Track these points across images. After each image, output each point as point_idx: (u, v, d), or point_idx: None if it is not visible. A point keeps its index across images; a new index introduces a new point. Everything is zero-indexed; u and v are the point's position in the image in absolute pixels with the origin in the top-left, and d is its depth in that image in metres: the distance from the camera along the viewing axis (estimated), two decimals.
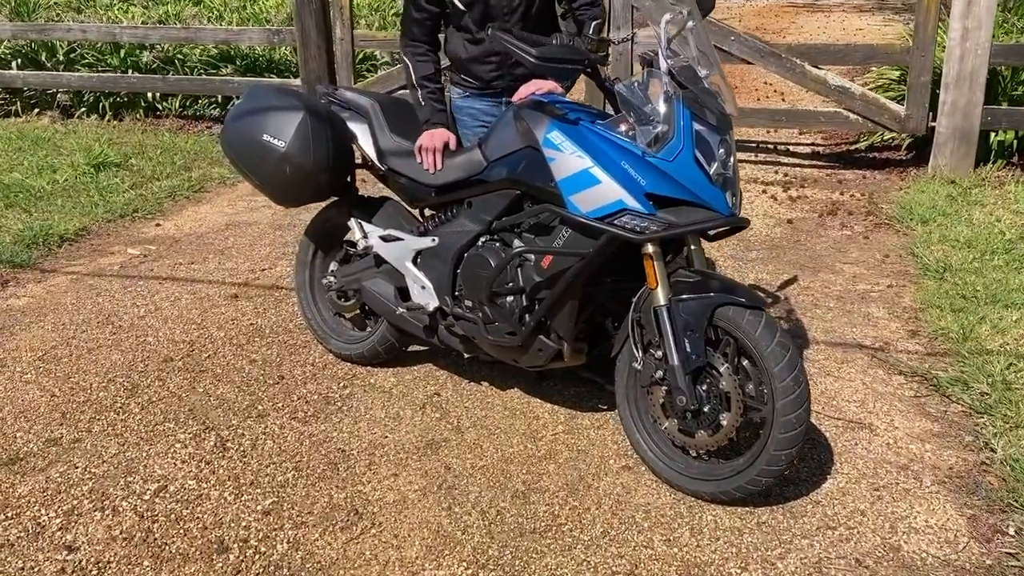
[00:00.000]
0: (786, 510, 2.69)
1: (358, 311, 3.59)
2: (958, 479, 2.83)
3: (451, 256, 3.11)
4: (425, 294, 3.20)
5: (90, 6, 10.02)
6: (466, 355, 3.27)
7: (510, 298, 2.94)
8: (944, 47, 5.97)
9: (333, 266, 3.62)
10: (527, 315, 2.92)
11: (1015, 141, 6.16)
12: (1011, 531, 2.57)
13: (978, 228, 4.98)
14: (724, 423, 2.63)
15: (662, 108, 2.59)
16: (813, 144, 7.33)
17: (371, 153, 3.33)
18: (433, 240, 3.17)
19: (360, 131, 3.35)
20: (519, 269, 2.91)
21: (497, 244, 3.00)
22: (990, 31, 5.71)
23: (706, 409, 2.64)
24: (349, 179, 3.45)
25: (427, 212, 3.42)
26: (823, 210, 5.59)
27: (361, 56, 7.73)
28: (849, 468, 2.91)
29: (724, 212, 2.60)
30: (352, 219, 3.41)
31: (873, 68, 7.37)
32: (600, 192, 2.64)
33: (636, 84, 2.70)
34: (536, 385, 3.43)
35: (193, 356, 3.74)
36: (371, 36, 7.54)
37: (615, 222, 2.62)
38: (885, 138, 6.82)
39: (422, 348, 3.65)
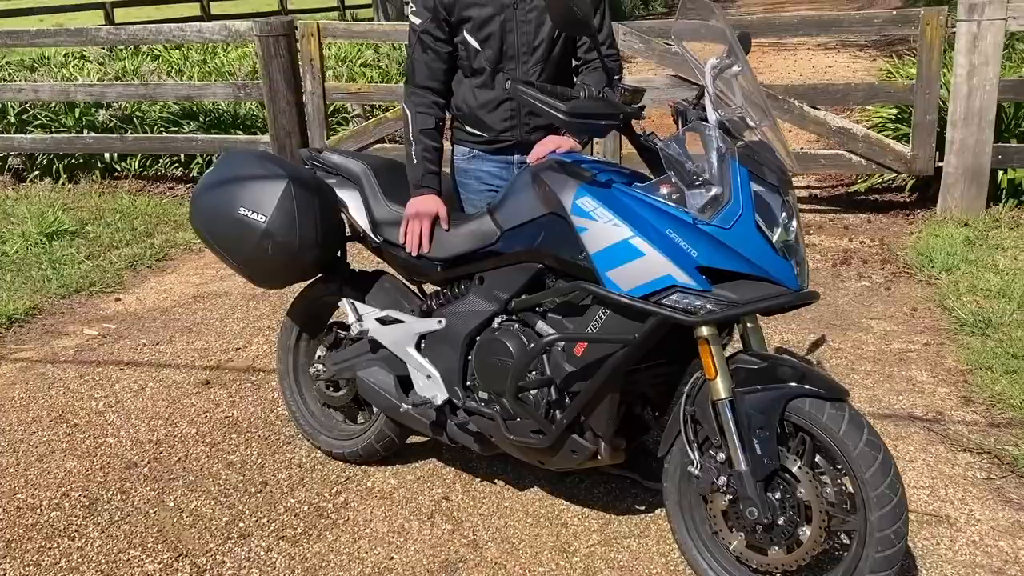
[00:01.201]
0: None
1: (350, 401, 3.14)
2: None
3: (461, 341, 2.68)
4: (431, 385, 2.76)
5: (44, 64, 9.55)
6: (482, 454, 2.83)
7: (535, 391, 2.51)
8: (946, 84, 5.73)
9: (321, 351, 3.17)
10: (557, 411, 2.49)
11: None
12: None
13: (1007, 276, 4.65)
14: (804, 538, 2.21)
15: (715, 167, 2.20)
16: (808, 187, 7.02)
17: (364, 224, 2.90)
18: (439, 322, 2.73)
19: (351, 199, 2.93)
20: (545, 356, 2.49)
21: (516, 326, 2.58)
22: (998, 67, 5.45)
23: (780, 521, 2.22)
24: (339, 254, 3.02)
25: (428, 288, 3.00)
26: (836, 259, 5.24)
27: (331, 109, 7.33)
28: (937, 575, 2.50)
29: (792, 286, 2.21)
30: (343, 299, 2.97)
31: (868, 107, 7.10)
32: (644, 266, 2.23)
33: (678, 140, 2.31)
34: (559, 482, 2.99)
35: (161, 460, 3.25)
36: (343, 88, 7.14)
37: (663, 301, 2.22)
38: (885, 179, 6.52)
39: (423, 439, 3.20)
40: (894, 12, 6.07)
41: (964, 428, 3.27)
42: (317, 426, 3.20)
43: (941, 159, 5.73)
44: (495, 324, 2.62)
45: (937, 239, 5.28)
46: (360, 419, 3.17)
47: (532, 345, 2.47)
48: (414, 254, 2.75)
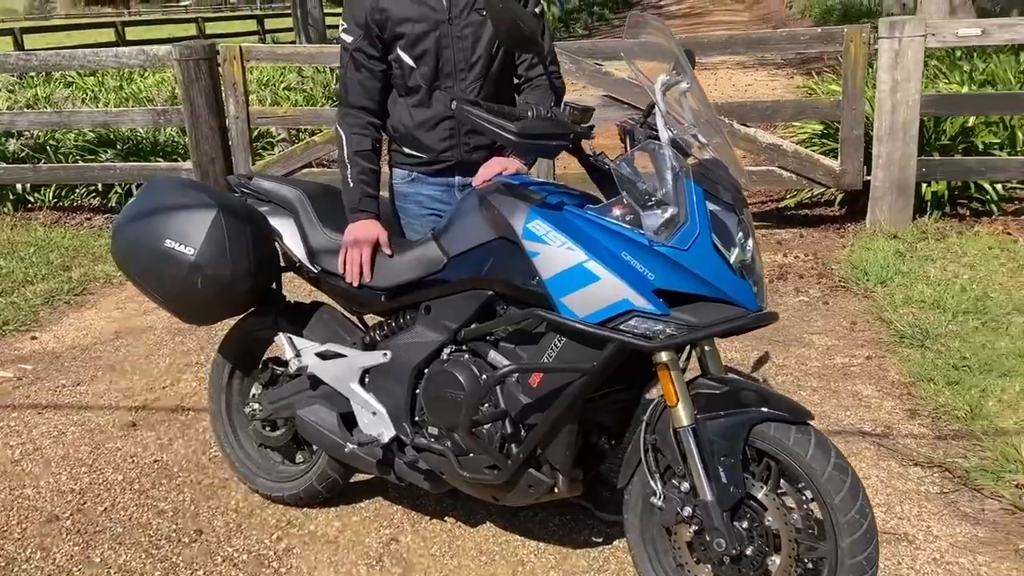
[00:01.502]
0: None
1: (288, 441, 2.97)
2: None
3: (409, 374, 2.55)
4: (377, 422, 2.62)
5: None
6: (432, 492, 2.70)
7: (489, 425, 2.40)
8: (869, 100, 5.84)
9: (256, 389, 3.01)
10: (512, 445, 2.38)
11: (947, 192, 6.03)
12: None
13: (939, 287, 4.72)
14: (772, 568, 2.14)
15: (669, 186, 2.13)
16: None
17: (300, 253, 2.75)
18: (384, 355, 2.60)
19: (285, 228, 2.78)
20: (499, 388, 2.38)
21: (466, 357, 2.46)
22: (919, 82, 5.57)
23: (749, 552, 2.14)
24: (274, 285, 2.86)
25: (370, 319, 2.87)
26: (772, 275, 5.26)
27: (256, 134, 7.13)
28: None
29: (751, 306, 2.14)
30: (280, 333, 2.81)
31: (794, 124, 7.21)
32: (600, 291, 2.15)
33: (628, 159, 2.23)
34: (512, 517, 2.87)
35: (85, 511, 3.03)
36: (269, 112, 6.96)
37: (621, 327, 2.13)
38: (814, 194, 6.61)
39: (367, 477, 3.05)
40: (819, 30, 6.17)
41: (913, 442, 3.26)
42: (254, 468, 3.03)
43: (868, 173, 5.83)
44: (444, 355, 2.50)
45: (869, 252, 5.35)
46: (299, 459, 3.01)
47: (485, 377, 2.37)
48: (355, 284, 2.62)
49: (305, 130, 7.65)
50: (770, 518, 2.13)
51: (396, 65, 2.70)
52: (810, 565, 2.16)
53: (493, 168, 2.53)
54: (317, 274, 2.75)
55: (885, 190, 5.76)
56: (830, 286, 5.02)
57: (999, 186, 6.00)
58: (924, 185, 5.93)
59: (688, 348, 2.33)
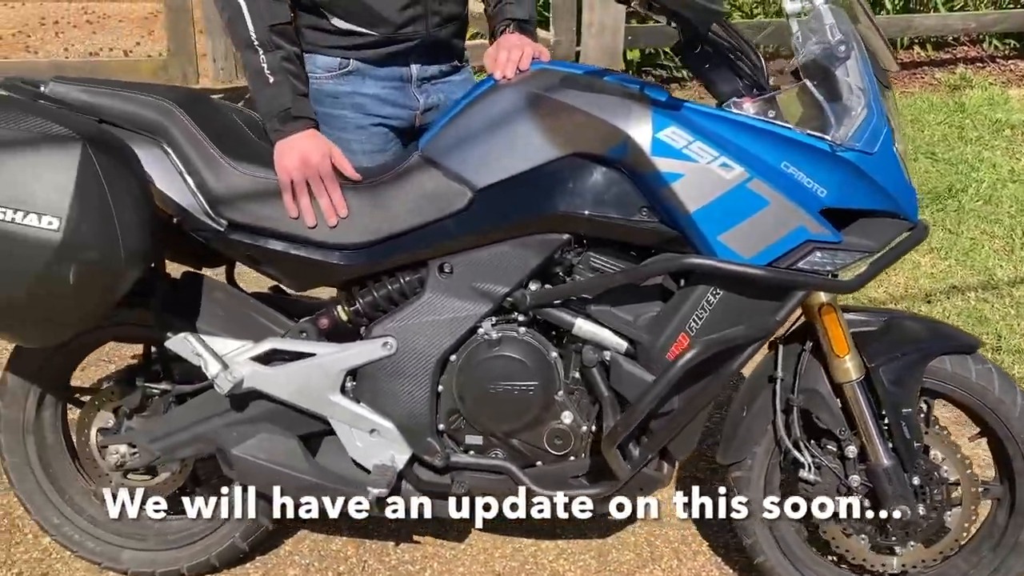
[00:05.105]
0: None
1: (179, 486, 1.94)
2: None
3: (431, 368, 1.72)
4: (379, 443, 1.76)
5: None
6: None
7: (576, 421, 1.70)
8: None
9: (104, 422, 1.88)
10: (632, 444, 1.72)
11: (639, 59, 6.09)
12: None
13: None
14: (951, 523, 1.81)
15: (856, 66, 1.57)
16: None
17: (190, 203, 1.69)
18: (385, 344, 1.72)
19: (155, 165, 1.67)
20: (595, 368, 1.68)
21: (522, 331, 1.71)
22: None
23: (922, 512, 1.79)
24: (154, 264, 1.75)
25: (297, 298, 1.91)
26: None
27: None
28: None
29: (915, 217, 1.71)
30: (177, 335, 1.73)
31: None
32: (768, 220, 1.57)
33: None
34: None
35: None
36: None
37: (801, 266, 1.58)
38: None
39: None
40: None
41: None
42: (111, 536, 1.95)
43: (579, 43, 5.61)
44: (486, 334, 1.70)
45: None
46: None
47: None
48: (332, 222, 1.67)
49: None
50: (946, 468, 1.79)
51: None
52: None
53: (514, 52, 1.73)
54: (223, 233, 1.71)
55: (597, 59, 5.57)
56: None
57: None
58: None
59: None
